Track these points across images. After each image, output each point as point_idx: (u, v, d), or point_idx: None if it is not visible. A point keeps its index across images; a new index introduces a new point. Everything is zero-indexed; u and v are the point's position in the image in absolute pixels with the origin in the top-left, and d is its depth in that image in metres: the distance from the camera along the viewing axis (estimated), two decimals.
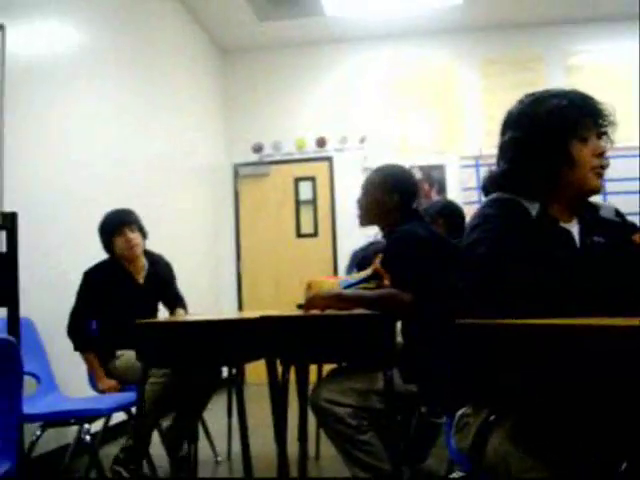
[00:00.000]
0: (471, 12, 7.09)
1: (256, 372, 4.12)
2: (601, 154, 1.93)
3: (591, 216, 2.02)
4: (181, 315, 4.14)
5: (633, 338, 1.10)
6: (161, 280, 4.17)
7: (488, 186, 2.08)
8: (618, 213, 2.08)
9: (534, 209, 1.93)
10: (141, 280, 4.07)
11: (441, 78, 7.57)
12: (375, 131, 7.60)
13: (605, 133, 1.97)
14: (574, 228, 1.98)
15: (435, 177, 7.45)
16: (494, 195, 2.00)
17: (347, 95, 7.73)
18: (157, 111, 6.03)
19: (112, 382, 3.79)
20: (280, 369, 3.18)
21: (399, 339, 2.95)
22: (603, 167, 1.94)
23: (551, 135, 1.91)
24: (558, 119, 1.91)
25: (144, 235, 4.07)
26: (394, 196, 3.10)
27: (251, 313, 3.63)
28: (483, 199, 2.06)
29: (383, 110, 7.62)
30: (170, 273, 4.27)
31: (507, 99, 2.14)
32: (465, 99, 7.45)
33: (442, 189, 7.40)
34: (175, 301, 4.25)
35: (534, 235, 1.87)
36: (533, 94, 2.02)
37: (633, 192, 6.29)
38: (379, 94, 7.66)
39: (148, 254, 4.15)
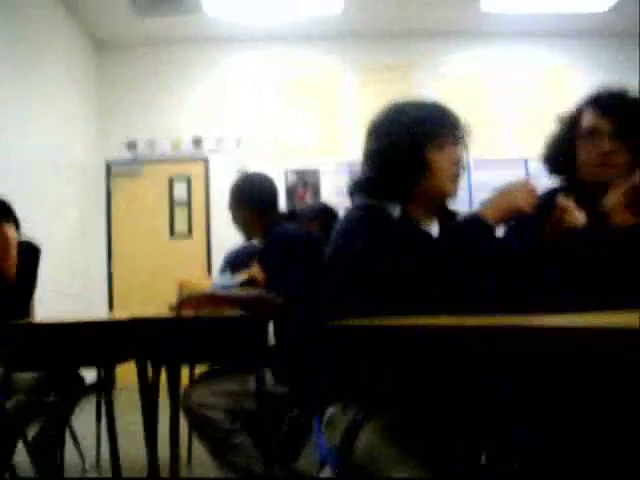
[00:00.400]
0: (350, 20, 7.20)
1: (127, 375, 4.03)
2: (457, 162, 2.04)
3: (451, 222, 2.12)
4: None
5: (479, 338, 1.15)
6: (31, 271, 3.78)
7: (353, 191, 2.15)
8: None
9: (396, 212, 2.01)
10: (11, 276, 3.66)
11: (320, 83, 7.66)
12: (252, 133, 7.60)
13: (460, 142, 2.07)
14: (434, 231, 2.07)
15: (310, 181, 7.52)
16: (358, 201, 2.07)
17: (225, 96, 7.70)
18: (28, 104, 5.81)
19: None
20: (151, 371, 3.13)
21: (270, 340, 2.96)
22: (458, 174, 2.05)
23: (409, 144, 2.00)
24: (416, 128, 2.00)
25: (17, 226, 3.72)
26: (247, 212, 3.23)
27: (122, 314, 3.56)
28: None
29: (261, 112, 7.63)
30: (38, 258, 3.87)
31: (382, 106, 2.21)
32: (344, 105, 7.57)
33: (317, 193, 7.49)
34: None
35: (398, 235, 1.93)
36: (395, 103, 2.11)
37: None
38: (258, 96, 7.67)
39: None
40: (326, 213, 4.05)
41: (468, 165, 2.14)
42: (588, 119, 2.21)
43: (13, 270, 3.78)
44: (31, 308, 3.94)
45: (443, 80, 7.57)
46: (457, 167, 2.05)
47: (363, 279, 1.83)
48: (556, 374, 0.98)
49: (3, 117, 5.29)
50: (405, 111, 2.06)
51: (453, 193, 2.07)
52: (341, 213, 2.16)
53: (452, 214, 2.15)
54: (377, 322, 1.50)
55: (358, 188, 2.12)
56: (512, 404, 1.14)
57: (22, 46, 5.79)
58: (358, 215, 2.01)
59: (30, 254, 3.83)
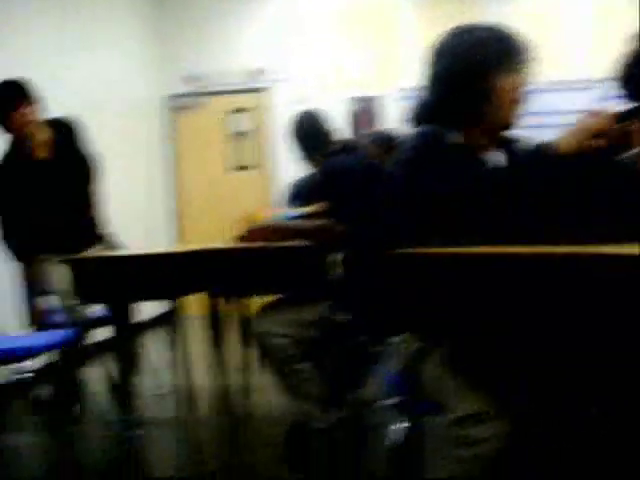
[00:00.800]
0: None
1: (197, 305, 4.13)
2: (520, 88, 1.98)
3: (513, 147, 2.08)
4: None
5: (562, 267, 1.15)
6: (71, 147, 3.86)
7: (415, 117, 2.11)
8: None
9: (454, 138, 1.97)
10: (48, 155, 3.76)
11: (380, 9, 7.49)
12: (314, 63, 7.51)
13: (525, 67, 2.00)
14: (500, 157, 2.03)
15: (373, 109, 7.43)
16: (418, 128, 2.04)
17: (286, 26, 7.59)
18: (89, 42, 5.84)
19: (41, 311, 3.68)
20: (220, 301, 3.21)
21: (337, 270, 2.99)
22: (521, 101, 1.99)
23: (472, 69, 1.94)
24: (480, 53, 1.94)
25: (39, 105, 3.71)
26: (302, 148, 3.34)
27: (190, 246, 3.63)
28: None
29: (322, 41, 7.51)
30: (79, 133, 3.92)
31: (445, 30, 2.15)
32: (404, 30, 7.39)
33: (380, 121, 7.40)
34: (94, 224, 3.98)
35: (456, 167, 1.91)
36: (459, 27, 2.04)
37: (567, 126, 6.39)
38: (319, 25, 7.54)
39: (51, 122, 3.81)
40: (390, 141, 4.03)
41: (536, 89, 2.06)
42: None
43: (45, 150, 3.74)
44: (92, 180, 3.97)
45: (508, 4, 7.32)
46: (520, 93, 1.98)
47: (419, 207, 1.82)
48: (622, 301, 0.97)
49: (66, 55, 5.34)
50: (470, 34, 1.99)
51: (515, 120, 2.02)
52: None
53: (513, 140, 2.10)
54: (441, 250, 1.50)
55: (417, 114, 2.09)
56: (577, 334, 1.14)
57: None
58: (415, 142, 1.98)
59: (64, 130, 3.86)
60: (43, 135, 3.73)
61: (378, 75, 7.45)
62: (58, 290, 3.57)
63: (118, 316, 3.62)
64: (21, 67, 4.60)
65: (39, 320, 3.71)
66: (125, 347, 3.67)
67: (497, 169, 2.01)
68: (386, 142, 4.10)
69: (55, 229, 3.66)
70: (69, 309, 3.54)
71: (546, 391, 1.60)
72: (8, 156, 3.70)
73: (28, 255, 3.65)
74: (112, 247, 3.96)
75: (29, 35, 4.85)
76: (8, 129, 3.66)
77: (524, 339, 1.54)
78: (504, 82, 1.95)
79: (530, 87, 2.04)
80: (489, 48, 1.94)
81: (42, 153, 3.72)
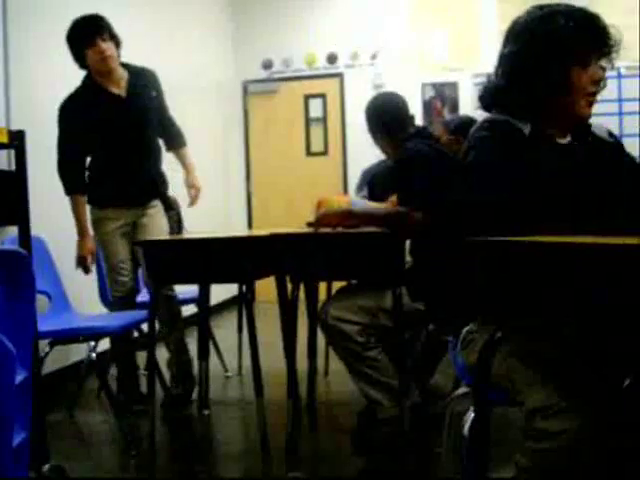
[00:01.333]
0: None
1: (266, 290, 4.16)
2: (598, 81, 1.89)
3: (586, 135, 2.00)
4: (186, 158, 4.02)
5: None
6: (146, 90, 3.81)
7: (483, 100, 2.06)
8: (611, 134, 2.06)
9: (526, 129, 1.90)
10: (122, 93, 3.71)
11: None
12: (387, 47, 7.44)
13: (606, 57, 1.90)
14: (572, 146, 1.96)
15: (448, 94, 7.34)
16: (488, 116, 1.98)
17: (359, 10, 7.54)
18: (163, 30, 5.92)
19: (92, 247, 3.68)
20: (290, 287, 3.21)
21: (408, 257, 2.96)
22: (597, 93, 1.91)
23: (551, 57, 1.86)
24: (561, 41, 1.85)
25: (117, 44, 3.69)
26: (377, 132, 3.27)
27: (261, 231, 3.64)
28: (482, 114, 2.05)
29: (396, 26, 7.44)
30: (156, 82, 3.89)
31: (523, 11, 2.07)
32: (480, 13, 7.26)
33: (455, 107, 7.30)
34: (172, 132, 4.01)
35: (529, 155, 1.85)
36: (541, 7, 1.93)
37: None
38: (392, 10, 7.46)
39: (128, 66, 3.78)
40: (466, 126, 3.96)
41: (619, 74, 1.98)
42: None
43: (120, 88, 3.70)
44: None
45: None
46: (597, 86, 1.90)
47: (493, 196, 1.77)
48: None
49: (146, 44, 5.42)
50: (550, 20, 1.88)
51: (587, 117, 1.94)
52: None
53: (587, 129, 2.01)
54: (516, 239, 1.46)
55: (489, 98, 2.04)
56: None
57: None
58: (487, 131, 1.92)
59: (142, 76, 3.82)
60: (120, 74, 3.70)
61: (454, 60, 7.34)
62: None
63: (201, 298, 3.67)
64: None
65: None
66: (204, 329, 3.71)
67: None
68: (457, 128, 4.04)
69: (119, 172, 3.68)
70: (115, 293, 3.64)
71: (622, 385, 1.55)
72: (81, 88, 3.67)
73: (80, 190, 3.64)
74: (170, 206, 3.94)
75: (124, 24, 4.96)
76: (83, 65, 3.64)
77: (601, 331, 1.49)
78: (583, 74, 1.87)
79: (609, 74, 1.95)
80: (570, 37, 1.85)
81: (117, 90, 3.69)
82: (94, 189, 3.67)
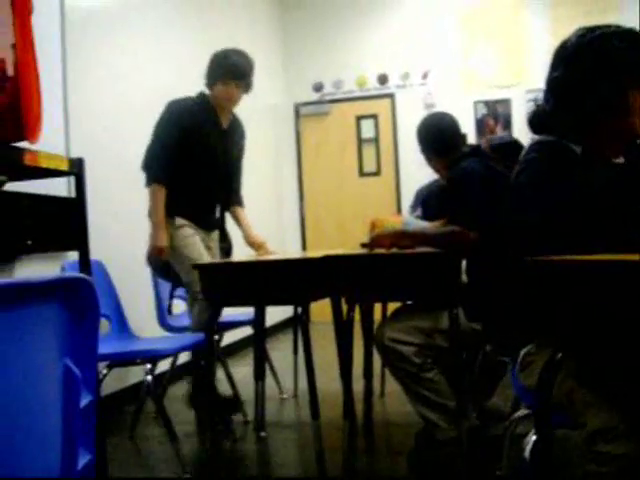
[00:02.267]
0: None
1: (321, 311, 4.17)
2: None
3: (637, 154, 1.96)
4: (244, 217, 4.06)
5: None
6: (241, 137, 4.04)
7: (534, 123, 2.05)
8: None
9: (578, 149, 1.89)
10: (225, 126, 3.89)
11: (506, 10, 7.33)
12: (438, 66, 7.45)
13: None
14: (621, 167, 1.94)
15: (500, 112, 7.29)
16: (539, 138, 1.98)
17: (409, 30, 7.56)
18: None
19: (165, 245, 3.64)
20: (345, 308, 3.22)
21: (463, 277, 2.94)
22: None
23: (608, 79, 1.84)
24: (619, 64, 1.84)
25: (247, 90, 3.88)
26: (430, 152, 3.27)
27: (315, 253, 3.66)
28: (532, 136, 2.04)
29: (446, 45, 7.44)
30: (245, 137, 4.08)
31: (577, 30, 2.05)
32: (532, 29, 7.21)
33: (508, 124, 7.25)
34: (237, 190, 4.08)
35: (582, 175, 1.84)
36: (593, 30, 1.91)
37: None
38: (442, 28, 7.47)
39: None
40: (512, 147, 3.93)
41: None
42: None
43: (226, 121, 3.89)
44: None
45: None
46: None
47: (546, 216, 1.77)
48: None
49: (193, 68, 5.51)
50: (604, 42, 1.87)
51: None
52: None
53: (638, 146, 1.99)
54: (574, 258, 1.44)
55: (540, 121, 2.03)
56: None
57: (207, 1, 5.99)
58: (538, 152, 1.92)
59: (240, 125, 4.05)
60: (230, 112, 3.93)
61: (505, 76, 7.30)
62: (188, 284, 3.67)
63: (257, 320, 3.70)
64: (171, 81, 4.80)
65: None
66: (260, 350, 3.73)
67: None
68: (496, 148, 4.00)
69: (201, 192, 3.78)
70: (198, 313, 3.64)
71: None
72: (196, 104, 3.79)
73: (163, 181, 3.66)
74: (226, 236, 4.03)
75: (181, 52, 5.05)
76: (210, 85, 3.80)
77: None
78: (636, 95, 1.84)
79: None
80: (625, 59, 1.84)
81: (224, 122, 3.88)
82: (177, 201, 3.72)
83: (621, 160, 1.95)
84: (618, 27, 1.91)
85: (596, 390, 1.60)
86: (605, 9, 6.92)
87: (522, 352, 1.91)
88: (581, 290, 1.47)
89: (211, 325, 3.25)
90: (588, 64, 1.87)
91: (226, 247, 3.98)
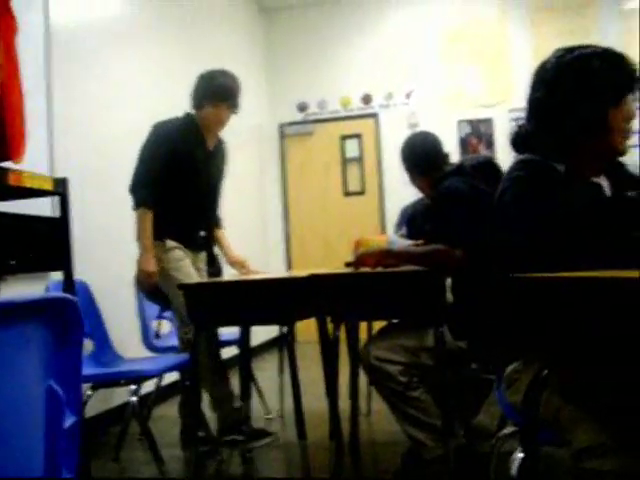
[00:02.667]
0: None
1: (307, 330, 4.16)
2: (631, 118, 1.93)
3: (618, 172, 2.03)
4: (225, 238, 4.03)
5: None
6: (224, 159, 4.01)
7: (517, 143, 2.09)
8: None
9: (561, 168, 1.93)
10: (211, 147, 3.87)
11: (488, 29, 7.41)
12: (421, 86, 7.50)
13: (636, 94, 1.94)
14: (604, 183, 1.99)
15: (484, 131, 7.34)
16: (522, 157, 2.01)
17: (392, 50, 7.62)
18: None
19: (153, 269, 3.56)
20: (331, 327, 3.21)
21: (449, 296, 2.95)
22: (631, 130, 1.94)
23: (589, 101, 1.89)
24: (598, 84, 1.89)
25: (235, 112, 3.87)
26: (413, 171, 3.30)
27: (300, 272, 3.65)
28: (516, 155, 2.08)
29: (429, 64, 7.50)
30: (227, 160, 4.06)
31: (555, 50, 2.09)
32: (514, 49, 7.27)
33: (491, 143, 7.30)
34: (217, 212, 4.04)
35: (565, 193, 1.88)
36: (572, 50, 1.96)
37: None
38: (425, 48, 7.53)
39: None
40: (487, 166, 3.96)
41: None
42: None
43: (212, 143, 3.87)
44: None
45: (626, 18, 7.10)
46: (631, 123, 1.94)
47: (531, 234, 1.79)
48: None
49: (177, 88, 5.53)
50: (582, 62, 1.92)
51: (624, 153, 1.97)
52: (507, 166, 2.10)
53: (621, 164, 2.05)
54: (559, 275, 1.45)
55: (523, 141, 2.07)
56: None
57: (190, 15, 6.01)
58: (521, 170, 1.96)
59: (224, 148, 4.03)
60: (217, 134, 3.93)
61: (488, 96, 7.35)
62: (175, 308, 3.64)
63: (242, 339, 3.67)
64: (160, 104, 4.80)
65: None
66: (245, 370, 3.71)
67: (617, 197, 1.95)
68: (480, 168, 4.02)
69: (187, 214, 3.75)
70: (183, 334, 3.61)
71: None
72: (183, 125, 3.76)
73: (150, 205, 3.60)
74: (214, 259, 3.99)
75: (165, 71, 5.06)
76: (198, 108, 3.77)
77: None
78: (616, 114, 1.90)
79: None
80: (603, 79, 1.89)
81: (210, 144, 3.87)
82: (165, 223, 3.67)
83: (601, 179, 1.99)
84: (596, 47, 1.95)
85: (582, 407, 1.60)
86: (587, 27, 7.01)
87: (508, 370, 1.91)
88: (566, 307, 1.48)
89: (196, 345, 3.23)
90: (568, 85, 1.91)
91: (215, 271, 3.95)
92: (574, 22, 7.10)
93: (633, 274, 1.26)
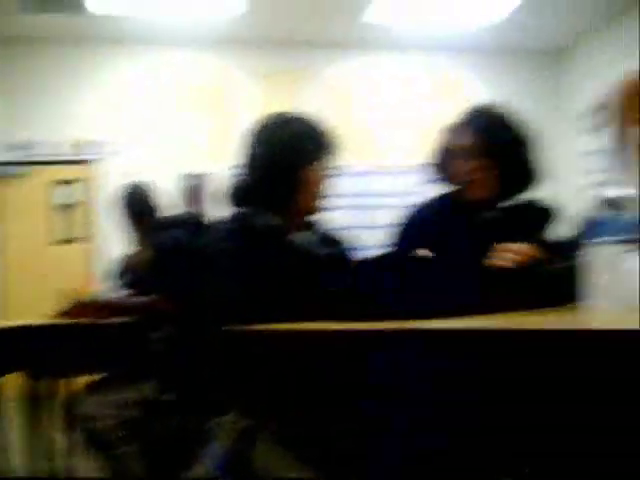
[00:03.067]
0: (249, 24, 7.09)
1: (17, 386, 3.88)
2: (326, 181, 2.21)
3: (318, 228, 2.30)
4: None
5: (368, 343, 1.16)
6: None
7: (234, 196, 2.25)
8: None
9: (269, 222, 2.13)
10: None
11: (218, 83, 7.58)
12: (144, 135, 7.42)
13: (333, 160, 2.24)
14: (310, 237, 2.22)
15: (206, 185, 7.43)
16: (237, 210, 2.21)
17: (114, 95, 7.46)
18: None
19: None
20: (33, 382, 3.04)
21: (161, 347, 2.92)
22: (325, 192, 2.23)
23: (286, 162, 2.14)
24: (295, 148, 2.16)
25: None
26: (125, 221, 3.41)
27: (11, 322, 3.42)
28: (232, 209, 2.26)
29: (154, 113, 7.46)
30: None
31: (265, 116, 2.33)
32: (241, 110, 7.47)
33: (212, 197, 7.39)
34: None
35: (277, 247, 2.07)
36: (278, 116, 2.26)
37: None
38: (151, 97, 7.48)
39: None
40: (190, 220, 4.04)
41: (343, 174, 2.35)
42: (460, 136, 2.36)
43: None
44: None
45: (332, 89, 7.67)
46: (326, 184, 2.22)
47: (242, 286, 1.90)
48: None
49: None
50: (287, 127, 2.20)
51: (317, 211, 2.25)
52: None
53: (317, 223, 2.30)
54: (265, 328, 1.49)
55: (235, 194, 2.26)
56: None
57: None
58: (237, 224, 2.13)
59: None
60: None
61: (212, 151, 7.48)
62: None
63: None
64: None
65: None
66: None
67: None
68: (200, 221, 4.10)
69: None
70: None
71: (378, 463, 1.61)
72: None
73: None
74: None
75: None
76: None
77: (353, 414, 1.55)
78: (313, 175, 2.17)
79: (350, 170, 2.28)
80: (302, 144, 2.16)
81: None
82: None
83: (307, 233, 2.20)
84: (300, 114, 2.26)
85: (293, 453, 1.65)
86: (299, 95, 7.44)
87: (219, 421, 1.92)
88: (275, 358, 1.52)
89: None
90: (273, 147, 2.17)
91: None
92: (293, 85, 7.50)
93: (328, 326, 1.33)
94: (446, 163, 2.42)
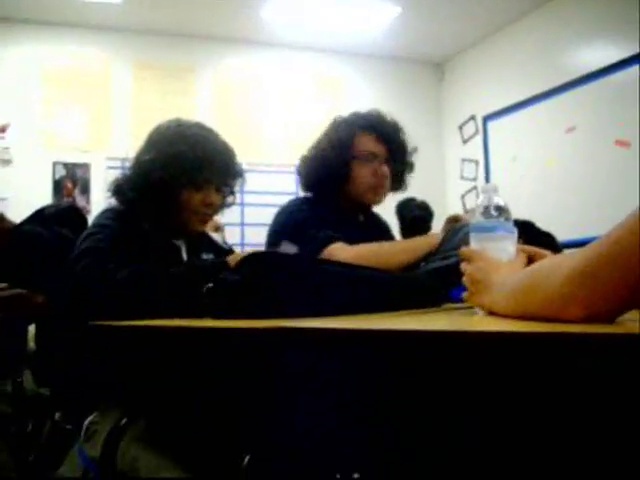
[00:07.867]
0: (128, 13, 6.97)
1: None
2: (208, 203, 2.22)
3: (198, 236, 2.35)
4: None
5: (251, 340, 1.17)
6: None
7: (115, 191, 2.25)
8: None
9: (146, 226, 2.18)
10: None
11: (92, 75, 7.34)
12: (18, 121, 7.12)
13: (225, 185, 2.30)
14: (182, 245, 2.27)
15: (80, 175, 7.22)
16: (113, 206, 2.24)
17: None
18: None
19: None
20: None
21: (31, 342, 2.83)
22: (208, 214, 2.27)
23: (166, 179, 2.15)
24: (178, 164, 2.14)
25: None
26: None
27: None
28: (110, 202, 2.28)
29: (27, 100, 7.17)
30: None
31: (157, 105, 2.31)
32: (116, 99, 7.29)
33: (86, 188, 7.20)
34: None
35: (147, 247, 2.09)
36: (180, 125, 2.25)
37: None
38: (25, 82, 7.18)
39: None
40: (71, 212, 3.93)
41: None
42: (366, 143, 2.44)
43: None
44: None
45: (222, 85, 7.60)
46: (209, 208, 2.24)
47: (112, 280, 1.91)
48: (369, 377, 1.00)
49: None
50: (179, 141, 2.17)
51: (199, 229, 2.30)
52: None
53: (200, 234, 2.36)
54: (135, 323, 1.48)
55: (119, 190, 2.25)
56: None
57: None
58: (110, 219, 2.13)
59: None
60: None
61: (88, 141, 7.28)
62: None
63: None
64: None
65: None
66: None
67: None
68: (67, 215, 3.99)
69: None
70: None
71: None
72: None
73: None
74: None
75: None
76: None
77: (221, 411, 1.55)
78: (190, 196, 2.19)
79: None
80: (186, 162, 2.15)
81: None
82: None
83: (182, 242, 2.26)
84: (202, 131, 2.26)
85: (163, 453, 1.62)
86: (184, 91, 7.35)
87: (86, 421, 1.88)
88: (148, 354, 1.50)
89: None
90: (161, 159, 2.17)
91: None
92: (173, 84, 7.37)
93: (218, 324, 1.32)
94: (347, 167, 2.48)
